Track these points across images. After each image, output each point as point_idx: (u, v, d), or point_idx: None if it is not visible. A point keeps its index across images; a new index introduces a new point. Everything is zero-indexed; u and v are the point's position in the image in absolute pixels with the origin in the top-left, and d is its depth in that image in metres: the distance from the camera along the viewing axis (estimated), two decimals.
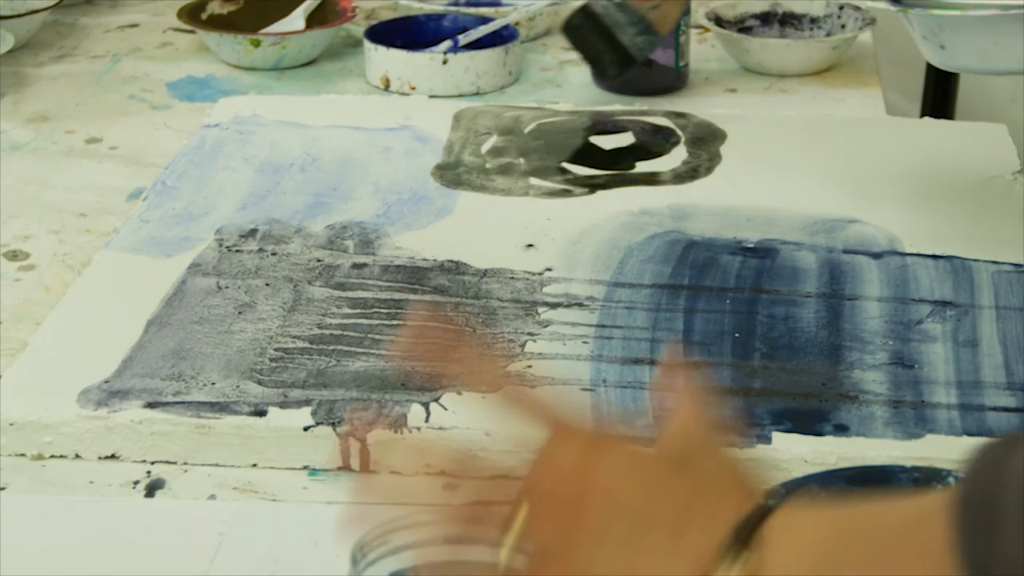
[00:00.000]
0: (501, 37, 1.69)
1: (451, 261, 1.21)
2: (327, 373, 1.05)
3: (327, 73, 1.73)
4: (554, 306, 1.14)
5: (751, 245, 1.23)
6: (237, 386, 1.04)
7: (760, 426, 1.00)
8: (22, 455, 1.01)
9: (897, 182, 1.36)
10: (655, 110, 1.52)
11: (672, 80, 1.64)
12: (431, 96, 1.62)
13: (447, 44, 1.67)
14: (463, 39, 1.68)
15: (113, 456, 1.01)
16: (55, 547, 0.91)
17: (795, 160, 1.40)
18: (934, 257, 1.21)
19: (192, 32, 1.81)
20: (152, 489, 0.98)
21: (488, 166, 1.39)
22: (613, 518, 0.72)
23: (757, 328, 1.12)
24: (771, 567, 0.68)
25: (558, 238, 1.25)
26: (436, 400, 1.02)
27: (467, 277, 1.18)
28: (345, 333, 1.10)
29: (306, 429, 1.00)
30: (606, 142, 1.45)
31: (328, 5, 1.81)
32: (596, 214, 1.29)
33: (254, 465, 1.01)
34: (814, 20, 1.75)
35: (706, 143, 1.44)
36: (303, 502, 0.97)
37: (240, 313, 1.13)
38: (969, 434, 0.99)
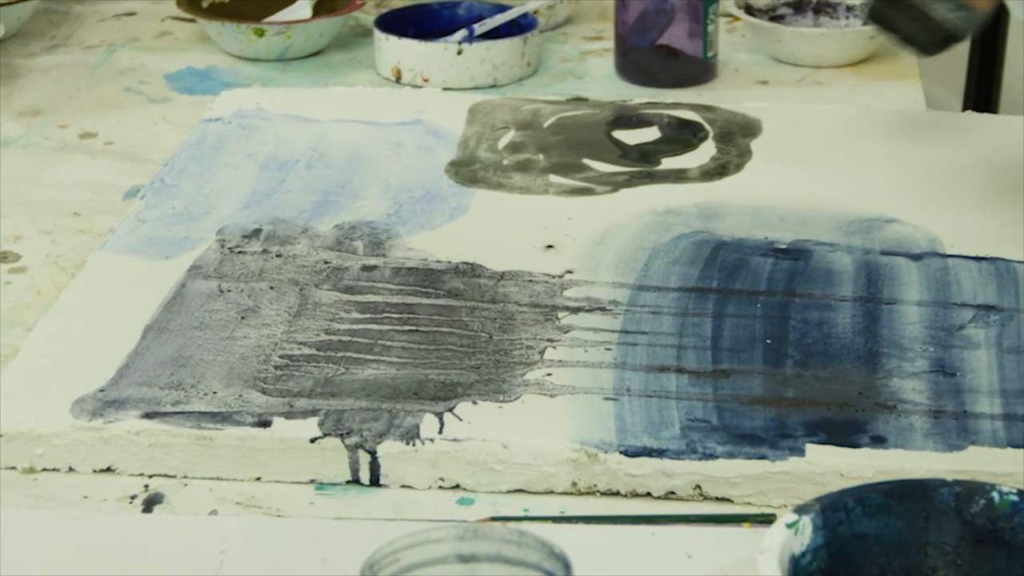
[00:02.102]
0: (519, 26, 1.69)
1: (466, 263, 1.21)
2: (335, 382, 1.05)
3: (335, 64, 1.73)
4: (575, 310, 1.14)
5: (783, 246, 1.23)
6: (240, 395, 1.04)
7: (793, 438, 0.99)
8: (12, 468, 1.02)
9: (938, 179, 1.36)
10: (682, 103, 1.52)
11: (700, 72, 1.63)
12: (445, 88, 1.62)
13: (462, 33, 1.67)
14: (479, 28, 1.68)
15: (109, 469, 1.01)
16: (47, 565, 0.91)
17: (830, 156, 1.40)
18: (977, 259, 1.21)
19: (192, 21, 1.81)
20: (150, 504, 0.99)
21: (505, 162, 1.39)
22: None
23: (790, 334, 1.12)
24: None
25: (579, 239, 1.25)
26: (450, 410, 1.02)
27: (483, 280, 1.19)
28: (354, 339, 1.10)
29: (313, 441, 1.00)
30: (630, 137, 1.45)
31: None
32: (619, 213, 1.29)
33: (258, 479, 1.01)
34: (850, 8, 1.75)
35: (736, 138, 1.44)
36: (309, 518, 0.97)
37: (243, 318, 1.13)
38: (1014, 446, 0.99)
